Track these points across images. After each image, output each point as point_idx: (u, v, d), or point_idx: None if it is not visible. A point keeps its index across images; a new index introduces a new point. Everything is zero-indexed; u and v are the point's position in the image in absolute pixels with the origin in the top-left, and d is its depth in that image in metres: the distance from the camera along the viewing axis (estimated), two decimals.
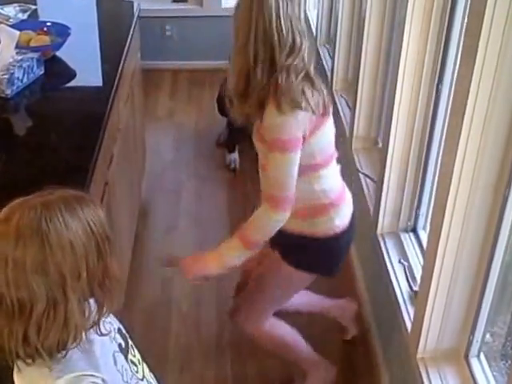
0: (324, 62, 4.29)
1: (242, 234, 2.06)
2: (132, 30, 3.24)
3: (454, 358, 2.10)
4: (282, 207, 2.00)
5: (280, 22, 1.90)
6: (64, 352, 1.24)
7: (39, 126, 2.48)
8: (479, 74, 1.66)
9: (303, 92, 1.93)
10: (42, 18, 3.25)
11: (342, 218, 2.19)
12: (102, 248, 1.24)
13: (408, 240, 2.63)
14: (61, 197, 1.23)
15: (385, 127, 2.73)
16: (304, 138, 1.96)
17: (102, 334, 1.32)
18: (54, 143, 2.32)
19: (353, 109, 3.27)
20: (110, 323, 1.41)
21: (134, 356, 1.48)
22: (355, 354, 2.81)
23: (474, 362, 2.04)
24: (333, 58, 3.90)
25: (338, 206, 2.18)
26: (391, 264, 2.54)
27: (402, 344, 2.31)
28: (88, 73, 2.85)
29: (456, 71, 1.99)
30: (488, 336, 2.04)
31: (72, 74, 2.87)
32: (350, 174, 3.31)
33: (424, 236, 2.54)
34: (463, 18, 2.10)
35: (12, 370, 1.30)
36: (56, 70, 2.82)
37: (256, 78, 1.94)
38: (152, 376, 1.55)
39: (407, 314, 2.30)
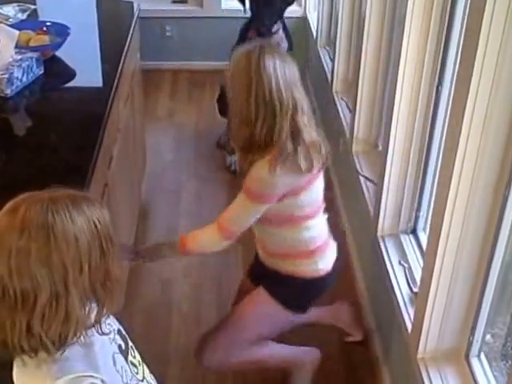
0: (324, 64, 4.30)
1: (189, 237, 2.15)
2: (132, 30, 3.23)
3: (454, 358, 2.10)
4: (227, 236, 2.08)
5: (280, 92, 1.93)
6: (64, 349, 1.24)
7: (39, 126, 2.48)
8: (479, 73, 1.66)
9: (301, 155, 1.96)
10: (41, 18, 3.25)
11: (325, 262, 2.24)
12: (105, 247, 1.25)
13: (408, 242, 2.63)
14: (68, 194, 1.25)
15: (385, 129, 2.73)
16: (284, 194, 2.02)
17: (102, 334, 1.32)
18: (54, 143, 2.31)
19: (353, 111, 3.27)
20: (110, 324, 1.41)
21: (134, 357, 1.48)
22: (355, 355, 2.80)
23: (474, 362, 2.04)
24: (333, 60, 3.91)
25: (323, 252, 2.24)
26: (391, 265, 2.54)
27: (403, 344, 2.31)
28: (88, 73, 2.85)
29: (456, 71, 1.98)
30: (488, 336, 2.04)
31: (72, 74, 2.87)
32: (350, 176, 3.32)
33: (424, 238, 2.53)
34: (463, 18, 2.10)
35: (11, 370, 1.31)
36: (55, 70, 2.81)
37: (257, 137, 1.97)
38: (152, 377, 1.55)
39: (407, 314, 2.30)
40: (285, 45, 3.94)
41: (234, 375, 2.69)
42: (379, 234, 2.70)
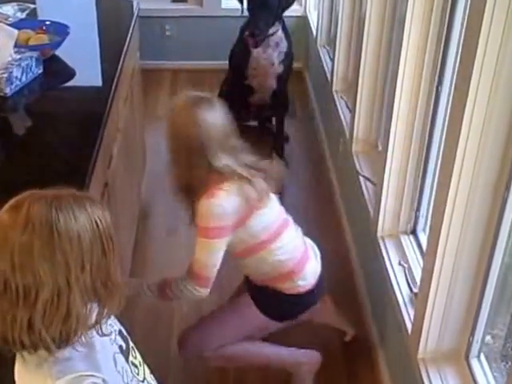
0: (324, 64, 4.29)
1: (168, 281, 2.20)
2: (131, 29, 3.23)
3: (454, 358, 2.10)
4: (202, 284, 2.14)
5: (209, 143, 2.07)
6: (64, 348, 1.24)
7: (38, 126, 2.47)
8: (479, 73, 1.66)
9: (240, 182, 2.07)
10: (40, 17, 3.24)
11: (306, 279, 2.29)
12: (106, 247, 1.25)
13: (408, 242, 2.63)
14: (70, 192, 1.26)
15: (384, 129, 2.73)
16: (235, 225, 2.09)
17: (103, 334, 1.32)
18: (53, 143, 2.31)
19: (353, 111, 3.27)
20: (111, 325, 1.41)
21: (135, 358, 1.48)
22: (355, 355, 2.80)
23: (474, 362, 2.04)
24: (333, 60, 3.90)
25: (300, 271, 2.27)
26: (391, 266, 2.54)
27: (403, 345, 2.30)
28: (87, 72, 2.84)
29: (456, 71, 1.98)
30: (488, 337, 2.04)
31: (71, 74, 2.86)
32: (349, 176, 3.31)
33: (424, 238, 2.53)
34: (463, 18, 2.10)
35: (12, 369, 1.31)
36: (55, 69, 2.81)
37: (195, 180, 2.13)
38: (153, 378, 1.55)
39: (407, 314, 2.29)
40: (284, 45, 3.91)
41: (235, 375, 2.69)
42: (379, 234, 2.70)
